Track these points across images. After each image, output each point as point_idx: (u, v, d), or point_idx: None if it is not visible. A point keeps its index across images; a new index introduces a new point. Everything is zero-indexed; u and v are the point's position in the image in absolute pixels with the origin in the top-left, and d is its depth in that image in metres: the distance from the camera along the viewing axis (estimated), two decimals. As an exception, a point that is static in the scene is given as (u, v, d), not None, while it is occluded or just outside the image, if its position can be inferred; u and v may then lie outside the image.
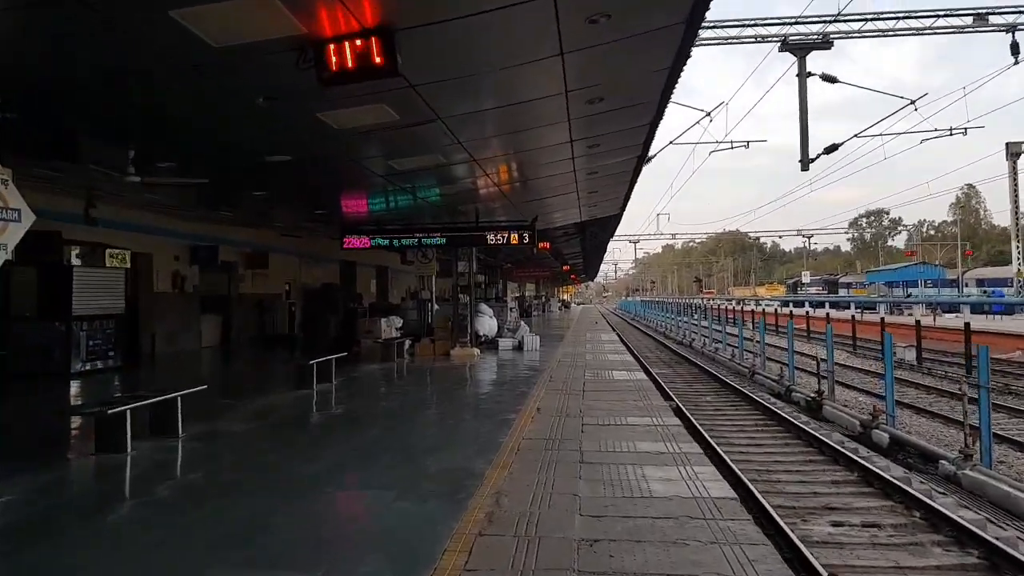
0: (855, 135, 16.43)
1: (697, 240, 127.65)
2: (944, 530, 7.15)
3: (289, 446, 7.13)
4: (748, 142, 21.33)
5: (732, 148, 21.20)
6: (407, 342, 17.25)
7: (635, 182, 13.45)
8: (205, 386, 7.98)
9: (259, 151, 7.86)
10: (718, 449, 9.24)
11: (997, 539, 6.70)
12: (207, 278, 20.73)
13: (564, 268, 54.85)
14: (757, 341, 21.52)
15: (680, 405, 13.21)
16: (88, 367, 13.11)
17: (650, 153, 11.75)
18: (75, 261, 12.81)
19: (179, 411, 7.54)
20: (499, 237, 15.20)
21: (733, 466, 8.40)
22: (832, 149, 16.02)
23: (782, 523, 6.74)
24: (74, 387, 11.71)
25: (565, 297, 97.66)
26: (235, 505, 5.12)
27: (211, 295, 21.54)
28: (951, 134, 17.49)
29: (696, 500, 5.18)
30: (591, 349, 20.15)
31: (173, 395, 7.49)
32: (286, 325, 24.77)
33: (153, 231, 17.49)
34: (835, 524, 7.40)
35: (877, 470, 9.00)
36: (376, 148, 8.43)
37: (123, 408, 6.57)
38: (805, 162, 15.05)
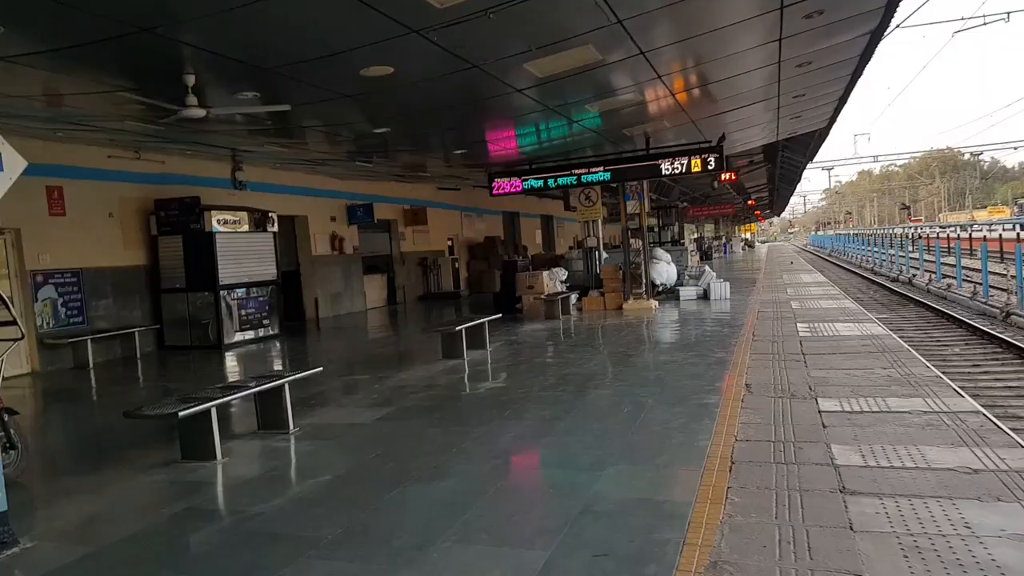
0: None
1: (899, 163, 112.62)
2: None
3: (411, 453, 5.36)
4: (1008, 13, 16.43)
5: (984, 24, 16.47)
6: (573, 296, 15.22)
7: (860, 75, 10.18)
8: (320, 368, 6.46)
9: (350, 60, 6.00)
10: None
11: None
12: (367, 238, 20.03)
13: (749, 203, 49.99)
14: (1012, 276, 17.08)
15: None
16: (243, 337, 12.46)
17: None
18: (217, 227, 12.01)
19: (287, 401, 6.05)
20: (676, 165, 12.55)
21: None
22: None
23: None
24: (223, 360, 10.95)
25: (747, 235, 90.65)
26: None
27: (372, 255, 20.93)
28: None
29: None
30: (794, 294, 16.96)
31: (277, 382, 5.99)
32: (451, 282, 23.80)
33: (305, 192, 16.78)
34: None
35: None
36: (502, 43, 6.26)
37: (201, 407, 5.10)
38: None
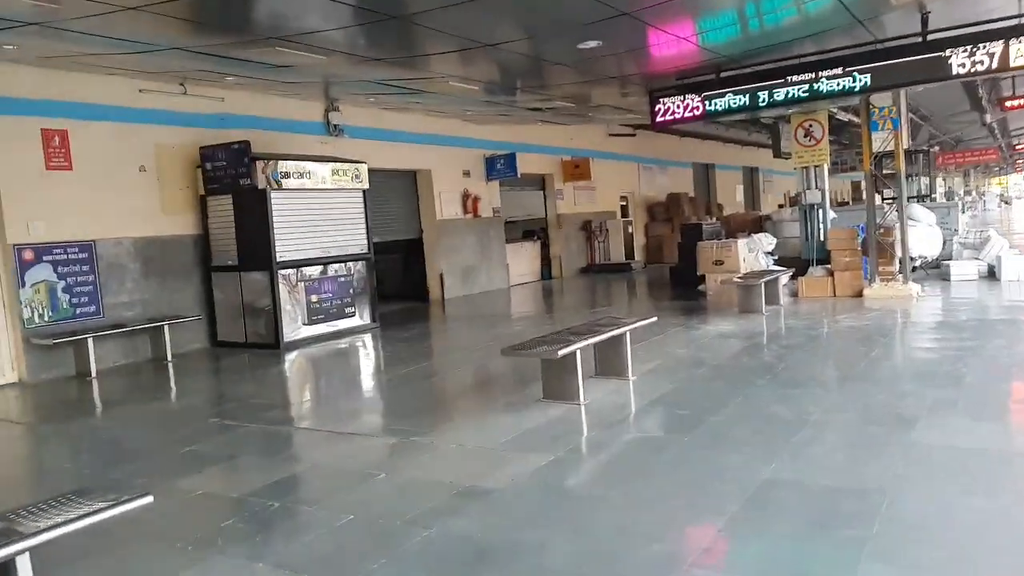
0: None
1: None
2: None
3: None
4: None
5: None
6: (784, 276, 10.33)
7: None
8: (149, 498, 2.68)
9: None
10: None
11: None
12: (512, 197, 16.26)
13: (1018, 148, 39.52)
14: None
15: None
16: (314, 332, 9.25)
17: None
18: (268, 183, 8.79)
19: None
20: (979, 57, 7.25)
21: None
22: None
23: None
24: (267, 370, 7.75)
25: (997, 189, 74.85)
26: None
27: (521, 218, 17.16)
28: None
29: None
30: None
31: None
32: (623, 251, 19.42)
33: (428, 139, 13.30)
34: None
35: None
36: None
37: None
38: None
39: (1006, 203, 60.69)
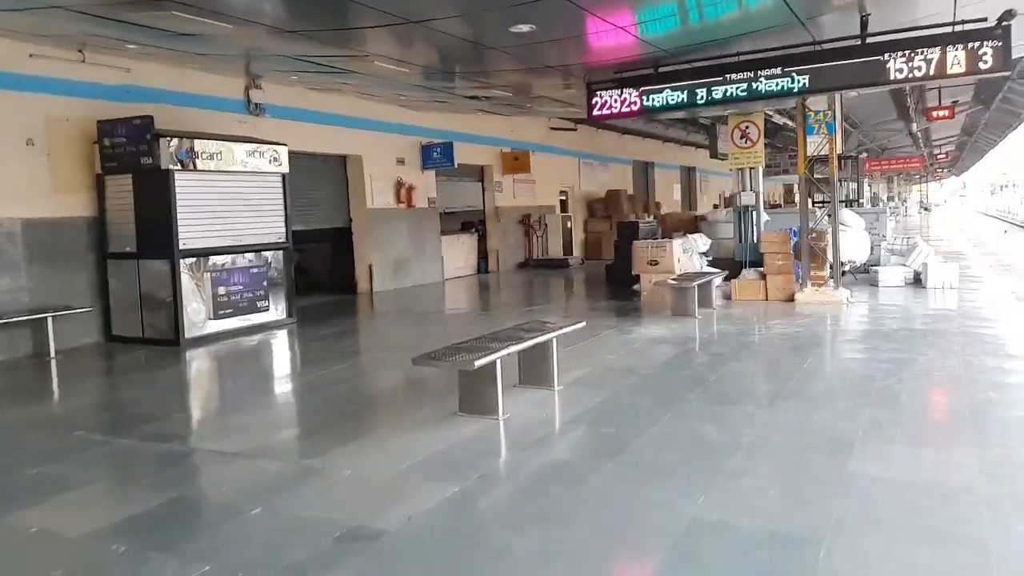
0: None
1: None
2: None
3: None
4: None
5: None
6: (716, 279, 10.12)
7: None
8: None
9: None
10: None
11: None
12: (449, 188, 15.73)
13: (939, 157, 41.11)
14: None
15: None
16: (223, 327, 8.55)
17: None
18: (171, 164, 8.03)
19: None
20: (917, 63, 7.10)
21: None
22: None
23: None
24: (155, 373, 7.03)
25: (918, 196, 77.95)
26: None
27: (458, 209, 16.65)
28: None
29: None
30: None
31: None
32: (561, 247, 19.10)
33: (360, 123, 12.63)
34: None
35: None
36: None
37: None
38: None
39: (926, 209, 63.32)
